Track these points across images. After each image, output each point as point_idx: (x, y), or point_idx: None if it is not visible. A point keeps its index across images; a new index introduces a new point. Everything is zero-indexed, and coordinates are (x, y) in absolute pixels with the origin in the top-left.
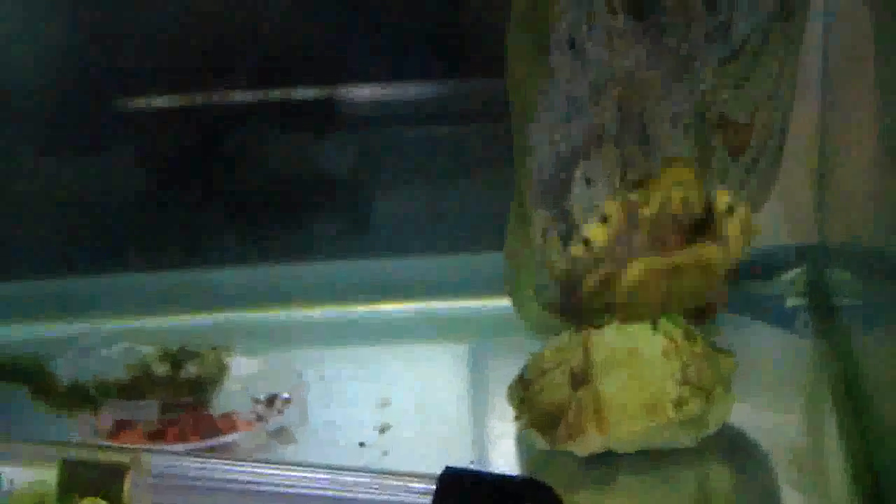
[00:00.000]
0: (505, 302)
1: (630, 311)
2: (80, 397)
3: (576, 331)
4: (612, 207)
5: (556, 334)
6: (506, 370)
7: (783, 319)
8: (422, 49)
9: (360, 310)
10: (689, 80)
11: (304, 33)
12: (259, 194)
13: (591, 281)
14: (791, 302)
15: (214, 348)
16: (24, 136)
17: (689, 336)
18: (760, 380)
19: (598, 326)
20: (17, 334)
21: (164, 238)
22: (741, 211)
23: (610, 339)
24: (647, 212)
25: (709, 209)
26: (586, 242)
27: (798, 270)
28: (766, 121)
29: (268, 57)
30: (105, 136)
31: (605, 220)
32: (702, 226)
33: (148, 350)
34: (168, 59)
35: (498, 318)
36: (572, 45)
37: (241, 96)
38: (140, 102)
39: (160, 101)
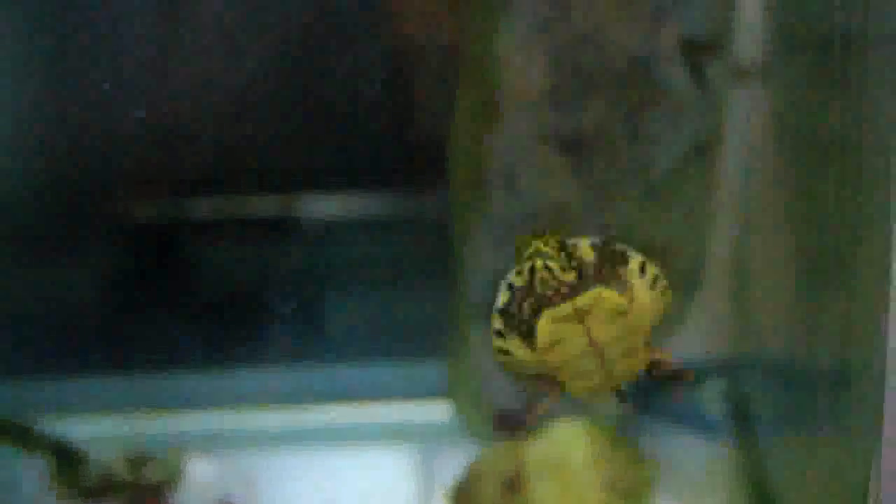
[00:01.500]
0: (451, 407)
1: (574, 380)
2: (63, 457)
3: (510, 438)
4: (505, 296)
5: (495, 440)
6: (450, 474)
7: (704, 428)
8: (371, 162)
9: (312, 413)
10: (613, 211)
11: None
12: (211, 302)
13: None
14: (712, 411)
15: (172, 452)
16: None
17: (614, 442)
18: (682, 486)
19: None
20: None
21: (120, 342)
22: (650, 270)
23: (541, 446)
24: (519, 282)
25: (580, 272)
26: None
27: (719, 381)
28: (682, 247)
29: (218, 167)
30: (61, 244)
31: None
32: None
33: (108, 454)
34: (110, 172)
35: (445, 423)
36: (508, 178)
37: (189, 204)
38: (95, 210)
39: (114, 209)
